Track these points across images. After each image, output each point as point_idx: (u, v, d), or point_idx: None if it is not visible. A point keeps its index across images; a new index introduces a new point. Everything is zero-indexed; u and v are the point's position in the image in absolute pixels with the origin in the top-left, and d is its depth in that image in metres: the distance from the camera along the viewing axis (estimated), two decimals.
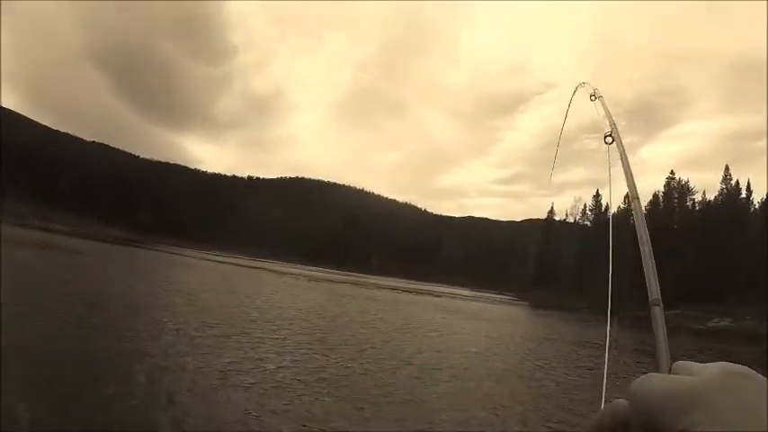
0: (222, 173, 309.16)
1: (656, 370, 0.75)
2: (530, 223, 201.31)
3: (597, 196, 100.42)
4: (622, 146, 1.49)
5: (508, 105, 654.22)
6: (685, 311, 64.23)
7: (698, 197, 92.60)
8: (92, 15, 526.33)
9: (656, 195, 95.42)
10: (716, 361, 0.60)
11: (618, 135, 1.55)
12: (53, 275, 28.38)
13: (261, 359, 14.49)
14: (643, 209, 1.27)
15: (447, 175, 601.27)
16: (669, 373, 0.68)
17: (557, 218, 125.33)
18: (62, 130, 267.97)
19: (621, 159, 1.43)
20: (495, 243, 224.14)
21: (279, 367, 13.76)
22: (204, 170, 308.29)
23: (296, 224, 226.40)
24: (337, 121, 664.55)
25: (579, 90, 2.23)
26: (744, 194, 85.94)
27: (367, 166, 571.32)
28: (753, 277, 61.26)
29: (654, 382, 0.58)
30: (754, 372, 0.56)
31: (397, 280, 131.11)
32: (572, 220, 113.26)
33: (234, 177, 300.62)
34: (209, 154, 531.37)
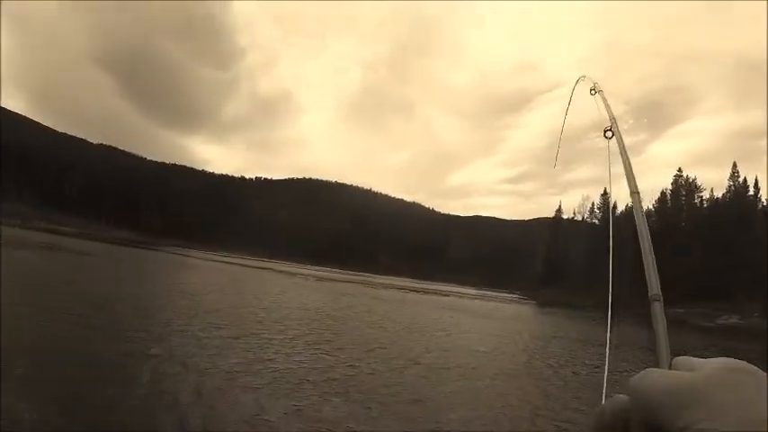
0: (230, 174, 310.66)
1: (657, 365, 0.74)
2: (538, 222, 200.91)
3: (605, 194, 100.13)
4: (622, 140, 1.50)
5: (515, 104, 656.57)
6: (693, 309, 64.01)
7: (705, 195, 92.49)
8: (99, 19, 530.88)
9: (663, 193, 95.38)
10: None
11: (617, 129, 1.55)
12: (59, 277, 28.55)
13: (269, 360, 14.47)
14: (642, 203, 1.27)
15: (454, 174, 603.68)
16: (669, 368, 0.68)
17: (565, 216, 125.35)
18: (68, 132, 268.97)
19: (621, 154, 1.43)
20: (503, 242, 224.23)
21: (287, 368, 13.73)
22: (211, 171, 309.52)
23: (303, 224, 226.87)
24: (344, 121, 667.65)
25: (579, 84, 2.23)
26: (751, 192, 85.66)
27: (374, 167, 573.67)
28: (761, 274, 60.99)
29: (654, 378, 0.58)
30: (754, 367, 0.56)
31: (405, 279, 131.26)
32: (580, 219, 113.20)
33: (241, 178, 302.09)
34: (217, 155, 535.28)
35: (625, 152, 1.43)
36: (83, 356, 11.93)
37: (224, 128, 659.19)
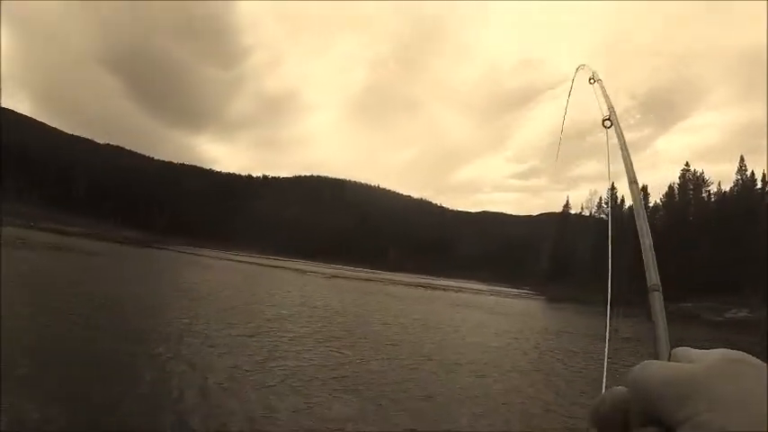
0: (236, 172, 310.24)
1: (656, 357, 0.74)
2: (546, 217, 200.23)
3: (612, 189, 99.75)
4: (620, 130, 1.51)
5: (521, 100, 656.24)
6: (702, 303, 63.84)
7: (713, 189, 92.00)
8: (104, 19, 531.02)
9: (671, 187, 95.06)
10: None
11: (616, 119, 1.56)
12: (67, 277, 28.63)
13: (280, 357, 14.57)
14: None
15: (462, 170, 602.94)
16: (668, 359, 0.67)
17: (572, 211, 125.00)
18: (75, 133, 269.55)
19: (619, 143, 1.44)
20: (512, 238, 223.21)
21: (298, 366, 13.79)
22: (218, 170, 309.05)
23: (311, 222, 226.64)
24: (350, 119, 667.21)
25: (579, 73, 2.24)
26: (759, 185, 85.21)
27: (381, 164, 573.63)
28: None
29: (653, 369, 0.58)
30: (754, 358, 0.56)
31: (414, 276, 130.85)
32: (588, 214, 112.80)
33: (248, 177, 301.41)
34: (223, 154, 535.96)
35: (624, 142, 1.44)
36: (90, 356, 12.00)
37: (230, 127, 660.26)
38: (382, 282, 78.56)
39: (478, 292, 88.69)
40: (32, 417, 7.88)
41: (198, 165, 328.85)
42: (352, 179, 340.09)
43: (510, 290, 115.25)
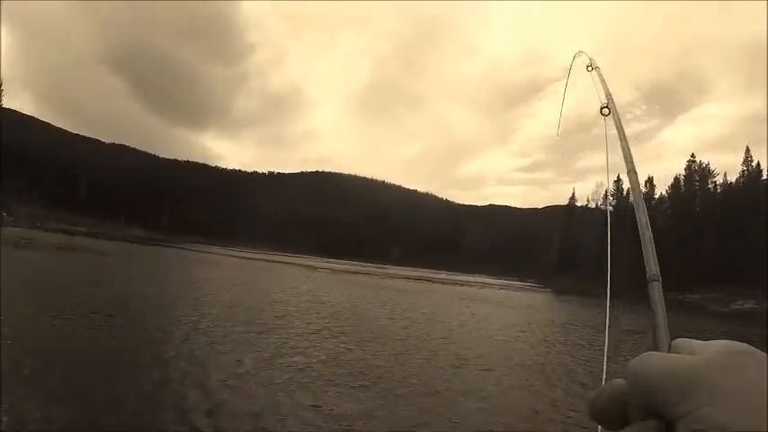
0: (242, 169, 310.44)
1: (655, 348, 0.73)
2: (552, 210, 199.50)
3: (618, 181, 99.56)
4: (618, 117, 1.50)
5: (526, 93, 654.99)
6: (708, 294, 63.76)
7: (719, 179, 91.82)
8: (108, 19, 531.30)
9: (677, 179, 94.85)
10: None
11: (614, 106, 1.56)
12: (75, 277, 28.70)
13: (288, 354, 14.68)
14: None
15: (468, 164, 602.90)
16: (669, 350, 0.67)
17: (578, 204, 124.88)
18: (80, 133, 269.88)
19: (618, 131, 1.44)
20: (518, 231, 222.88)
21: (305, 362, 13.84)
22: (224, 167, 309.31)
23: (317, 217, 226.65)
24: (355, 115, 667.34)
25: (577, 60, 2.20)
26: (765, 176, 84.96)
27: (386, 159, 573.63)
28: None
29: (653, 361, 0.56)
30: (756, 349, 0.54)
31: (420, 270, 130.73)
32: (593, 206, 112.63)
33: (253, 173, 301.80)
34: (228, 151, 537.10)
35: (622, 130, 1.43)
36: (96, 356, 12.10)
37: (235, 124, 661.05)
38: (389, 276, 78.51)
39: (484, 285, 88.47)
40: (35, 416, 7.96)
41: (203, 162, 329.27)
42: (358, 174, 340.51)
43: (516, 283, 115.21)
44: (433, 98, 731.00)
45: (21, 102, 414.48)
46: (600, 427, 0.60)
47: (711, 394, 0.49)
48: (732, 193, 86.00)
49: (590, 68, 1.95)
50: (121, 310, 18.48)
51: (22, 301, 17.15)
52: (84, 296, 20.78)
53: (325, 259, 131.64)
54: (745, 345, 0.55)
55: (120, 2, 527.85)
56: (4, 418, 7.70)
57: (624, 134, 1.41)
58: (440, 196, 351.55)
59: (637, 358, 0.58)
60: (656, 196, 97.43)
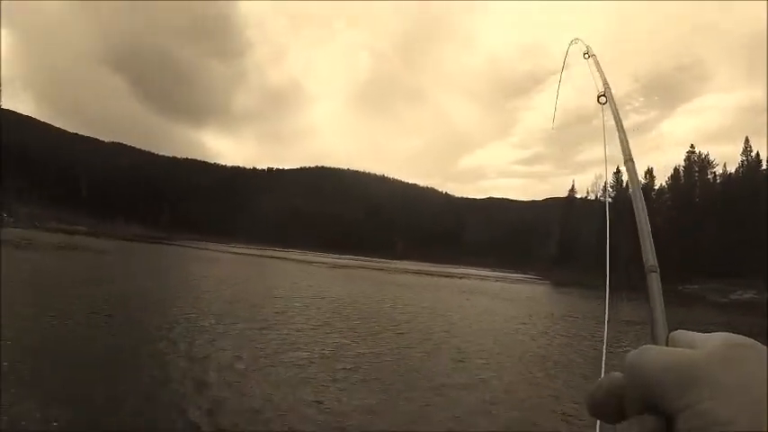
0: (241, 165, 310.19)
1: (653, 340, 0.72)
2: (552, 202, 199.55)
3: (618, 173, 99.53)
4: (615, 106, 1.49)
5: (526, 86, 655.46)
6: (707, 285, 63.83)
7: (718, 170, 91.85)
8: (105, 17, 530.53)
9: (676, 170, 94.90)
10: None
11: (611, 95, 1.54)
12: (75, 276, 28.68)
13: (289, 350, 14.71)
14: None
15: (467, 158, 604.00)
16: (667, 343, 0.66)
17: (578, 196, 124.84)
18: (79, 132, 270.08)
19: (615, 120, 1.42)
20: (518, 223, 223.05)
21: (307, 358, 13.88)
22: (223, 164, 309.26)
23: (318, 213, 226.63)
24: (355, 110, 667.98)
25: (572, 47, 2.22)
26: (765, 166, 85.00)
27: (386, 153, 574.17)
28: None
29: (652, 355, 0.55)
30: (756, 342, 0.54)
31: (421, 264, 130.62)
32: (593, 198, 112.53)
33: (253, 169, 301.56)
34: (228, 148, 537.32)
35: (619, 119, 1.41)
36: (96, 355, 12.10)
37: (234, 120, 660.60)
38: (389, 271, 78.52)
39: (484, 278, 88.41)
40: (35, 416, 7.98)
41: (202, 159, 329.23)
42: (358, 169, 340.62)
43: (516, 275, 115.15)
44: (432, 92, 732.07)
45: (19, 101, 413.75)
46: (599, 421, 0.59)
47: (712, 388, 0.48)
48: (732, 184, 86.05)
49: (587, 56, 1.94)
50: (122, 309, 18.52)
51: (22, 302, 17.17)
52: (84, 296, 20.75)
53: (325, 254, 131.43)
54: (745, 337, 0.54)
55: (118, 1, 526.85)
56: (4, 418, 7.71)
57: (621, 123, 1.40)
58: (439, 190, 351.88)
59: (634, 351, 0.57)
60: (656, 187, 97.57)
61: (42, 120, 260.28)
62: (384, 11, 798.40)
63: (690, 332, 0.62)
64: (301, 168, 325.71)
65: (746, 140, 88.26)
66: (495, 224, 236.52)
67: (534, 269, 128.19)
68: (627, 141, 1.33)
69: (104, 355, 12.10)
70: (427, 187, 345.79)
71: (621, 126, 1.39)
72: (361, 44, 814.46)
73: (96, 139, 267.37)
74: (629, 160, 1.27)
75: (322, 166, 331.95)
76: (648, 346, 0.58)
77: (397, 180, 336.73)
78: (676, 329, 0.65)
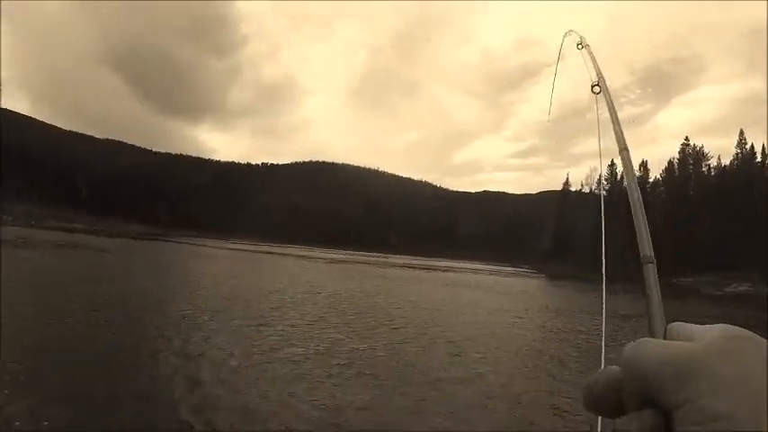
0: (236, 161, 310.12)
1: (650, 333, 0.71)
2: (547, 195, 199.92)
3: (612, 165, 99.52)
4: (609, 95, 1.48)
5: (521, 79, 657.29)
6: (702, 277, 64.01)
7: (713, 162, 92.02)
8: (99, 13, 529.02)
9: (671, 162, 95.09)
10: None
11: (605, 84, 1.53)
12: (74, 275, 28.53)
13: (286, 347, 14.67)
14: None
15: (462, 151, 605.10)
16: (665, 336, 0.64)
17: (573, 188, 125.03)
18: (75, 130, 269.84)
19: (609, 109, 1.41)
20: (512, 217, 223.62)
21: (303, 354, 13.87)
22: (218, 159, 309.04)
23: (313, 208, 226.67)
24: (351, 104, 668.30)
25: (566, 39, 2.21)
26: (759, 158, 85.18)
27: (382, 148, 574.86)
28: None
29: (649, 348, 0.54)
30: (754, 335, 0.53)
31: (417, 258, 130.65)
32: (587, 191, 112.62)
33: (248, 165, 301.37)
34: (223, 144, 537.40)
35: (613, 108, 1.40)
36: (94, 354, 12.02)
37: (229, 116, 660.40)
38: (385, 265, 78.52)
39: (478, 271, 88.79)
40: (35, 416, 7.94)
41: (197, 155, 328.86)
42: (353, 164, 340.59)
43: (510, 269, 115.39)
44: (428, 87, 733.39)
45: (15, 101, 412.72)
46: (600, 417, 0.58)
47: (710, 382, 0.48)
48: (726, 177, 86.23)
49: (580, 47, 1.94)
50: (120, 308, 18.42)
51: (21, 301, 17.09)
52: (83, 294, 20.62)
53: (320, 249, 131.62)
54: (744, 330, 0.53)
55: (114, 0, 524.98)
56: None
57: (615, 112, 1.39)
58: (435, 184, 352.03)
59: (631, 344, 0.56)
60: (651, 180, 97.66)
61: (39, 118, 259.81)
62: (380, 5, 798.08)
63: (688, 324, 0.61)
64: (296, 163, 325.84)
65: (741, 133, 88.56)
66: (491, 218, 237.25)
67: (529, 262, 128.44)
68: (621, 131, 1.31)
69: (100, 353, 12.04)
70: (422, 181, 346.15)
71: (616, 115, 1.38)
72: (357, 39, 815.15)
73: (92, 136, 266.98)
74: (623, 149, 1.26)
75: (317, 161, 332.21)
76: (645, 339, 0.58)
77: (392, 174, 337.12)
78: (674, 321, 0.64)
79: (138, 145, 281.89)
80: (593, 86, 1.56)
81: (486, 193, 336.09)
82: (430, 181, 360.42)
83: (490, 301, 35.53)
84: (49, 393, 8.76)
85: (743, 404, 0.46)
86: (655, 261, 0.93)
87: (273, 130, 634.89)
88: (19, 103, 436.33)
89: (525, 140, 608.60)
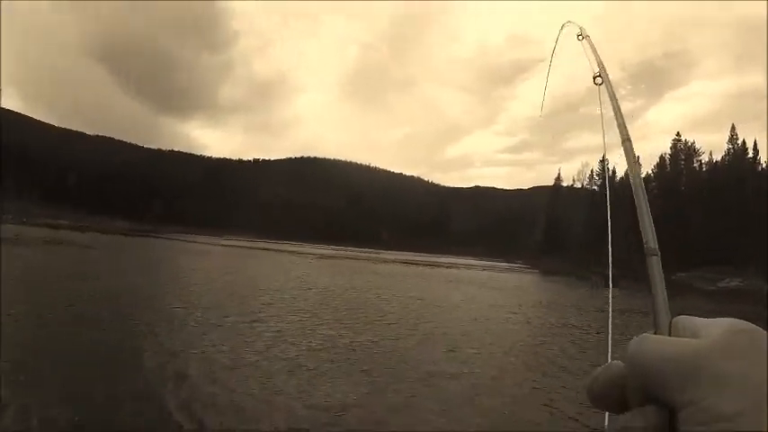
0: (228, 157, 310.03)
1: (655, 328, 0.67)
2: (539, 190, 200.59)
3: (604, 160, 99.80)
4: (611, 86, 1.42)
5: (512, 74, 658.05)
6: (694, 272, 64.19)
7: (704, 158, 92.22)
8: (89, 8, 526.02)
9: (662, 158, 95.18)
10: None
11: (606, 75, 1.47)
12: (61, 271, 28.36)
13: (281, 343, 14.63)
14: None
15: (454, 147, 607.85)
16: (670, 330, 0.62)
17: (564, 184, 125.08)
18: (64, 126, 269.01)
19: (611, 100, 1.36)
20: (504, 212, 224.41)
21: (296, 351, 13.85)
22: (209, 156, 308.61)
23: (305, 203, 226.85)
24: (342, 100, 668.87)
25: (565, 29, 2.06)
26: (750, 154, 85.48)
27: (373, 143, 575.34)
28: (761, 236, 61.00)
29: (653, 345, 0.54)
30: (759, 329, 0.52)
31: (408, 254, 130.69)
32: (579, 186, 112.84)
33: (239, 161, 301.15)
34: (214, 140, 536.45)
35: (615, 99, 1.35)
36: (82, 353, 11.95)
37: (220, 112, 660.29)
38: (378, 261, 78.61)
39: (471, 266, 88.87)
40: (29, 415, 7.85)
41: (188, 151, 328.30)
42: (344, 159, 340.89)
43: (503, 264, 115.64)
44: (419, 82, 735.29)
45: (6, 98, 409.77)
46: (607, 414, 0.58)
47: (715, 382, 0.47)
48: (718, 172, 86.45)
49: (580, 38, 1.81)
50: (109, 304, 18.32)
51: (11, 299, 16.98)
52: (71, 291, 20.64)
53: (313, 245, 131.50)
54: (750, 324, 0.53)
55: None
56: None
57: (618, 103, 1.33)
58: (426, 179, 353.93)
59: (634, 340, 0.56)
60: (642, 176, 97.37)
61: (28, 115, 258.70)
62: (372, 2, 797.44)
63: (693, 318, 0.60)
64: (287, 159, 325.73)
65: (733, 128, 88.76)
66: (482, 213, 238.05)
67: (522, 258, 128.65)
68: (623, 121, 1.25)
69: (92, 352, 11.95)
70: (414, 176, 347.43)
71: (618, 106, 1.30)
72: (349, 35, 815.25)
73: (83, 133, 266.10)
74: (626, 140, 1.19)
75: (307, 157, 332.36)
76: (648, 334, 0.57)
77: (383, 170, 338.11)
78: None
79: (129, 141, 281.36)
80: (594, 78, 1.48)
81: (477, 188, 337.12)
82: (420, 176, 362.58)
83: (484, 296, 35.58)
84: (44, 392, 8.70)
85: (747, 404, 0.45)
86: (659, 253, 0.90)
87: (265, 126, 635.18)
88: (10, 100, 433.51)
89: (516, 135, 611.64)
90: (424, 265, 79.57)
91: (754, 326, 0.52)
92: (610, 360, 0.72)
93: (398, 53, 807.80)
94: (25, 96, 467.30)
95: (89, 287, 21.88)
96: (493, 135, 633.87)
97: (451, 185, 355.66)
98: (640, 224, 0.95)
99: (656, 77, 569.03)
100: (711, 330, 0.53)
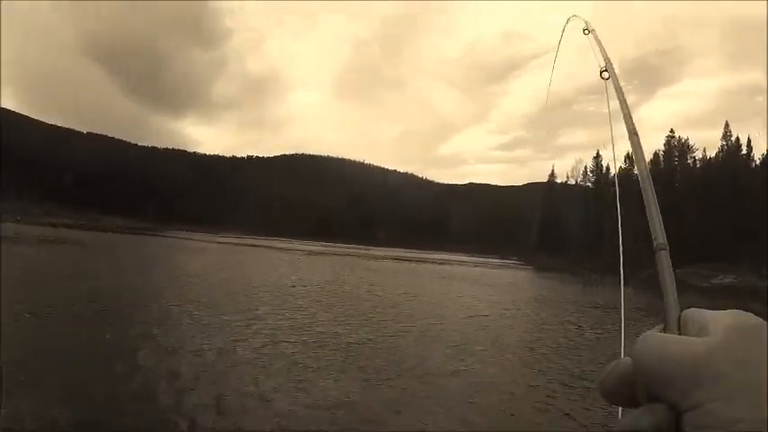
0: (221, 154, 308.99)
1: (665, 324, 0.66)
2: (533, 187, 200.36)
3: (597, 157, 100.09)
4: (617, 81, 1.45)
5: (506, 71, 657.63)
6: (688, 269, 64.30)
7: (698, 155, 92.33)
8: (82, 6, 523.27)
9: (656, 155, 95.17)
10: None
11: (612, 70, 1.50)
12: (57, 271, 28.34)
13: (278, 342, 14.68)
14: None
15: (448, 144, 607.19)
16: (678, 324, 0.62)
17: (558, 181, 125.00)
18: (58, 124, 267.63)
19: (618, 94, 1.38)
20: (498, 209, 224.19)
21: (292, 350, 13.92)
22: (203, 152, 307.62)
23: (299, 200, 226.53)
24: (336, 97, 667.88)
25: (571, 22, 2.07)
26: (744, 150, 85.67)
27: (367, 140, 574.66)
28: (754, 233, 61.24)
29: (658, 344, 0.54)
30: (764, 322, 0.52)
31: (402, 250, 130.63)
32: (573, 183, 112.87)
33: (233, 158, 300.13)
34: (207, 137, 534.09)
35: (621, 92, 1.37)
36: (80, 352, 11.97)
37: (214, 109, 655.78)
38: (373, 258, 78.59)
39: (464, 263, 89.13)
40: (26, 415, 7.86)
41: (182, 148, 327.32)
42: (338, 156, 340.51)
43: (497, 261, 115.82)
44: (412, 80, 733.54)
45: (4, 97, 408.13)
46: (621, 408, 0.58)
47: (718, 384, 0.47)
48: (711, 169, 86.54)
49: (586, 32, 1.83)
50: (108, 303, 18.35)
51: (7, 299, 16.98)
52: (70, 290, 20.66)
53: (308, 242, 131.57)
54: (756, 318, 0.53)
55: None
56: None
57: (624, 97, 1.36)
58: (420, 176, 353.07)
59: (641, 338, 0.56)
60: (636, 172, 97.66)
61: (20, 112, 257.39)
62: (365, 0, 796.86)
63: (702, 312, 0.59)
64: (281, 156, 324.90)
65: (726, 125, 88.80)
66: (477, 210, 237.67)
67: (517, 254, 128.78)
68: (630, 114, 1.27)
69: (90, 351, 11.97)
70: (408, 173, 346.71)
71: (624, 100, 1.33)
72: (342, 32, 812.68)
73: (75, 130, 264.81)
74: (633, 134, 1.20)
75: (302, 154, 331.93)
76: (653, 332, 0.57)
77: (378, 167, 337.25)
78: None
79: (121, 138, 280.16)
80: (601, 72, 1.51)
81: (471, 185, 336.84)
82: (415, 173, 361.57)
83: (478, 292, 35.63)
84: (42, 392, 8.72)
85: (749, 409, 0.45)
86: (668, 248, 0.89)
87: (259, 123, 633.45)
88: (3, 99, 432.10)
89: (509, 133, 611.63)
90: (417, 261, 79.81)
91: (758, 320, 0.52)
92: (623, 356, 0.83)
93: (392, 51, 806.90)
94: (15, 94, 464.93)
95: (88, 287, 21.87)
96: (486, 132, 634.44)
97: (446, 182, 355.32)
98: (648, 219, 0.93)
99: (650, 74, 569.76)
100: (717, 325, 0.53)
